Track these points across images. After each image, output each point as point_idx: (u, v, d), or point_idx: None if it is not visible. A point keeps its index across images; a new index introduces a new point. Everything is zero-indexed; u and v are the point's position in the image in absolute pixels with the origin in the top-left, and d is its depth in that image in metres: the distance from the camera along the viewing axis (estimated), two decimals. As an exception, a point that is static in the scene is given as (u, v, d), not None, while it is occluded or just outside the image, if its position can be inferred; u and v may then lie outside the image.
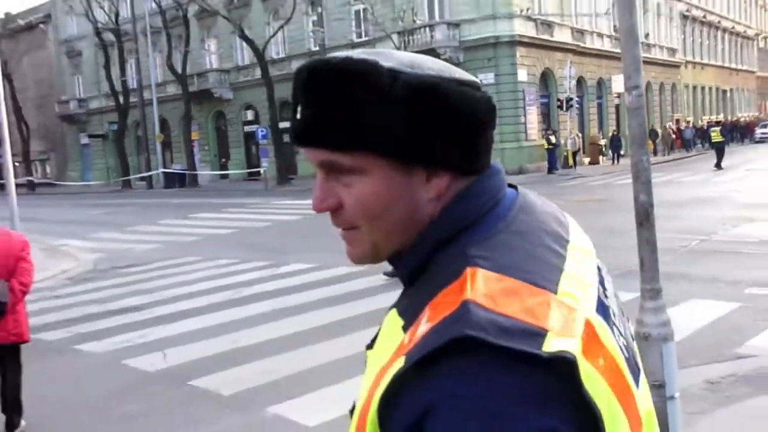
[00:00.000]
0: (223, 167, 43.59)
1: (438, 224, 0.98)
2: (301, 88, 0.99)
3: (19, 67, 50.53)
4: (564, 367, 0.81)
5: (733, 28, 63.76)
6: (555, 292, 0.89)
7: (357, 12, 36.45)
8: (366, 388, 0.92)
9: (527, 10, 33.11)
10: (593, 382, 0.83)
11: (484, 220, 0.97)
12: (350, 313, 8.57)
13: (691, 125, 46.50)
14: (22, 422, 5.68)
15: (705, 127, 44.73)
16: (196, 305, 9.77)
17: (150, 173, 42.63)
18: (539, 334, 0.82)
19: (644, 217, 3.89)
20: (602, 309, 0.96)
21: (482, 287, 0.86)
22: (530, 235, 0.97)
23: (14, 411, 5.68)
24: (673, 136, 44.34)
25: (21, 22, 56.07)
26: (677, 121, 47.61)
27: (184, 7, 39.85)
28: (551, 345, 0.81)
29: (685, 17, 52.92)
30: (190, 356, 7.37)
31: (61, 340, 8.27)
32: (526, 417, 0.79)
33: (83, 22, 47.22)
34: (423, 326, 0.87)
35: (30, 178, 49.67)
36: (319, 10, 34.97)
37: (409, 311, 0.94)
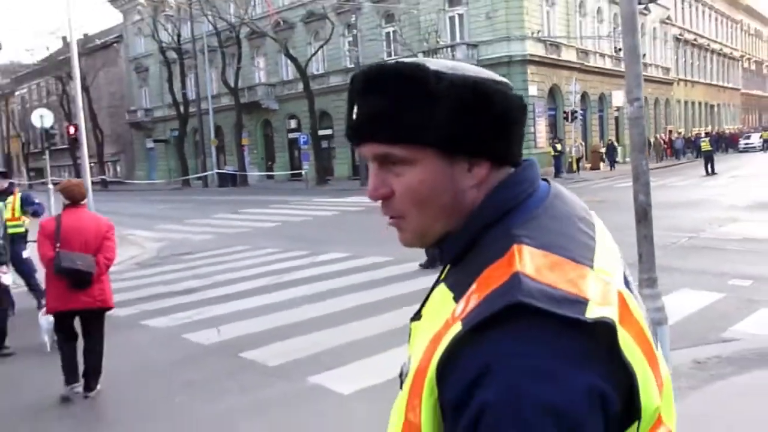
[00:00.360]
0: (269, 169, 43.71)
1: (484, 208, 0.98)
2: (358, 90, 0.99)
3: (95, 80, 51.08)
4: (605, 331, 0.82)
5: (720, 50, 62.75)
6: (591, 268, 0.89)
7: (387, 34, 36.35)
8: (419, 353, 0.91)
9: (538, 32, 32.88)
10: (628, 346, 0.84)
11: (524, 205, 0.97)
12: (381, 297, 8.56)
13: (681, 136, 45.83)
14: (98, 386, 5.78)
15: (693, 138, 44.20)
16: (245, 288, 9.82)
17: (206, 173, 42.86)
18: (582, 303, 0.83)
19: (642, 215, 3.86)
20: (627, 284, 0.97)
21: (529, 261, 0.86)
22: (565, 219, 0.97)
23: (94, 375, 5.75)
24: (664, 145, 43.81)
25: (97, 41, 56.65)
26: (670, 132, 46.96)
27: (237, 29, 40.01)
28: (593, 312, 0.82)
29: (678, 40, 52.15)
30: (241, 332, 7.39)
31: (130, 317, 8.35)
32: (574, 374, 0.79)
33: (150, 42, 47.68)
34: (475, 296, 0.87)
35: (103, 177, 50.22)
36: (354, 32, 35.00)
37: (458, 285, 0.93)
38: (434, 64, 0.97)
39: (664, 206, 15.23)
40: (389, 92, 0.95)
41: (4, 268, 7.07)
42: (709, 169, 28.01)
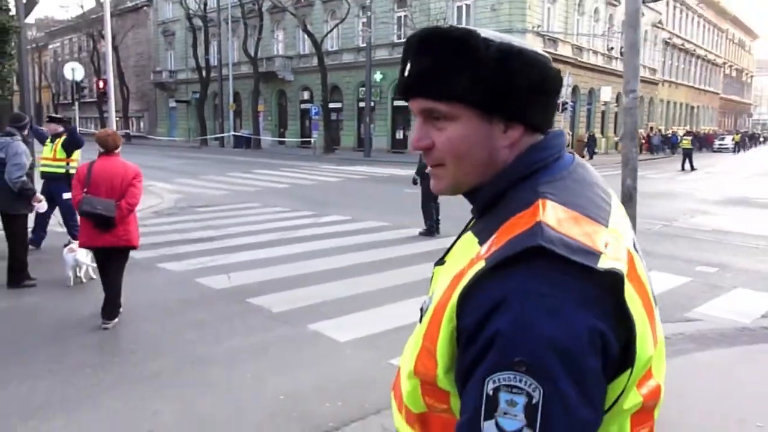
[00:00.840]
0: (282, 135, 43.52)
1: (516, 165, 0.99)
2: (412, 50, 1.01)
3: (124, 40, 50.50)
4: (613, 281, 0.84)
5: (705, 55, 62.21)
6: (606, 227, 0.92)
7: (399, 18, 35.90)
8: (442, 289, 0.95)
9: (538, 27, 32.53)
10: (632, 298, 0.86)
11: (551, 167, 0.99)
12: (379, 257, 8.59)
13: (659, 133, 45.64)
14: (116, 319, 5.84)
15: (669, 135, 44.08)
16: (255, 240, 9.85)
17: (223, 135, 42.69)
18: (595, 254, 0.85)
19: (628, 197, 3.87)
20: (635, 247, 0.99)
21: (551, 214, 0.89)
22: (585, 184, 0.99)
23: (112, 308, 5.81)
24: (643, 141, 43.67)
25: (129, 3, 55.89)
26: (651, 128, 46.76)
27: (260, 2, 39.53)
28: (605, 263, 0.84)
29: (666, 43, 51.64)
30: (249, 279, 7.42)
31: (148, 259, 8.37)
32: (580, 315, 0.81)
33: (178, 8, 47.06)
34: (500, 239, 0.90)
35: (127, 131, 49.87)
36: (369, 13, 34.51)
37: (483, 232, 0.97)
38: (484, 32, 0.98)
39: (641, 195, 15.04)
40: (439, 53, 0.97)
41: (38, 196, 7.08)
42: (687, 166, 27.94)
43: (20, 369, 4.80)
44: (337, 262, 8.29)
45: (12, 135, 7.12)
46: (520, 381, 0.80)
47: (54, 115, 9.59)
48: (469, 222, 1.12)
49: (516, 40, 1.00)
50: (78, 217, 6.42)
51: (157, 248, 9.10)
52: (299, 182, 19.44)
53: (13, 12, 22.38)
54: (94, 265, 6.58)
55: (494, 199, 1.00)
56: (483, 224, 1.00)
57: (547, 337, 0.80)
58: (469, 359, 0.86)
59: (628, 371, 0.88)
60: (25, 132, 7.49)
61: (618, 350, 0.85)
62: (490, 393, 0.82)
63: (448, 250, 1.11)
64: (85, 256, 7.07)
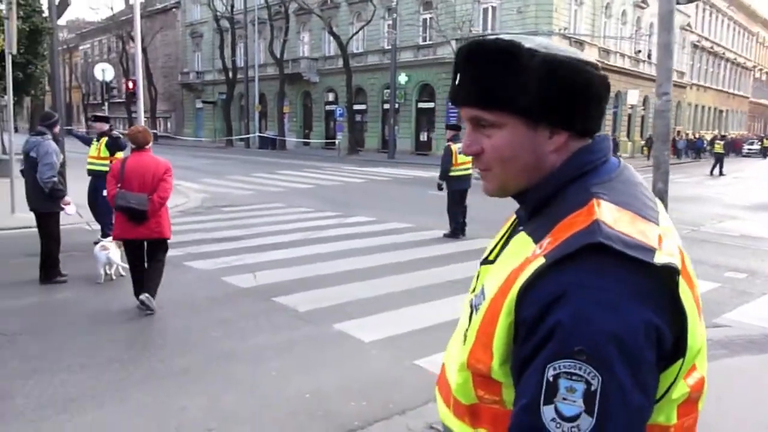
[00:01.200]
0: (306, 136, 43.76)
1: (565, 168, 1.03)
2: (461, 61, 1.06)
3: (153, 42, 51.16)
4: (669, 276, 0.89)
5: (735, 59, 61.26)
6: (657, 224, 0.96)
7: (425, 20, 35.93)
8: (495, 285, 0.99)
9: (564, 29, 32.29)
10: (685, 294, 0.91)
11: (600, 169, 1.03)
12: (403, 258, 8.59)
13: (685, 137, 45.01)
14: (154, 303, 6.09)
15: (695, 140, 43.47)
16: (280, 240, 9.91)
17: (248, 136, 43.02)
18: (651, 250, 0.89)
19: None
20: (681, 245, 1.02)
21: (607, 213, 0.93)
22: (633, 186, 1.03)
23: (154, 287, 6.12)
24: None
25: (158, 5, 56.61)
26: (678, 132, 46.16)
27: (286, 4, 39.84)
28: (660, 258, 0.89)
29: (695, 46, 50.97)
30: (274, 279, 7.47)
31: (175, 257, 8.43)
32: (637, 309, 0.86)
33: (205, 10, 47.59)
34: (557, 238, 0.94)
35: (155, 131, 50.43)
36: (394, 16, 34.63)
37: (538, 231, 1.01)
38: (530, 41, 1.02)
39: (669, 199, 15.02)
40: (486, 64, 1.01)
41: (66, 199, 7.21)
42: (717, 171, 27.49)
43: (52, 363, 4.88)
44: (361, 263, 8.31)
45: (43, 134, 7.24)
46: (580, 369, 0.85)
47: (99, 114, 9.84)
48: (512, 223, 1.17)
49: (562, 49, 1.02)
50: (113, 215, 6.62)
51: (184, 247, 9.20)
52: (323, 183, 19.51)
53: (46, 14, 22.81)
54: (125, 265, 6.79)
55: (546, 199, 1.04)
56: (536, 224, 1.04)
57: (606, 329, 0.85)
58: (529, 350, 0.90)
59: (680, 362, 0.92)
60: (56, 130, 7.62)
61: (671, 342, 0.89)
62: (551, 379, 0.86)
63: (492, 250, 1.15)
64: (116, 254, 7.18)
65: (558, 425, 0.85)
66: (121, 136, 9.22)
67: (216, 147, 43.44)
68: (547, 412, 0.87)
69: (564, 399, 0.85)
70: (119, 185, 5.88)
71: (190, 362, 4.98)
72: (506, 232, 1.17)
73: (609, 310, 0.85)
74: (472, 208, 10.68)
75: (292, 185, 18.74)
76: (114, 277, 7.36)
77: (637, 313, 0.86)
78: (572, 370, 0.85)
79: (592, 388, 0.84)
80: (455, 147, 10.34)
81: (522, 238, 1.05)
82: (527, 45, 1.00)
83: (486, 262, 1.15)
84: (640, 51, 40.05)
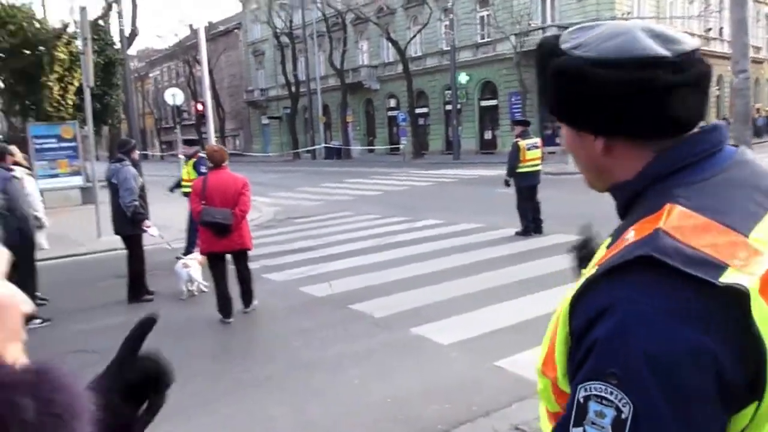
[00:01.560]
0: (370, 143, 44.08)
1: (647, 169, 0.95)
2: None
3: (218, 63, 52.74)
4: (736, 297, 0.77)
5: (815, 28, 57.85)
6: (746, 236, 0.83)
7: (482, 18, 35.60)
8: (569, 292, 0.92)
9: (628, 14, 31.29)
10: (765, 319, 0.78)
11: (699, 166, 0.93)
12: (476, 259, 8.51)
13: (764, 115, 42.70)
14: (255, 302, 6.66)
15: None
16: (353, 248, 9.99)
17: (314, 147, 43.67)
18: (719, 266, 0.78)
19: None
20: None
21: (675, 221, 0.84)
22: (736, 186, 0.91)
23: (247, 296, 6.66)
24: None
25: (220, 28, 58.37)
26: (757, 110, 43.89)
27: (343, 16, 40.29)
28: (729, 277, 0.78)
29: (770, 19, 48.45)
30: (349, 286, 7.54)
31: (253, 270, 8.52)
32: (684, 332, 0.77)
33: (265, 28, 48.69)
34: (619, 245, 0.88)
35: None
36: (451, 16, 34.50)
37: (615, 235, 0.96)
38: (570, 39, 0.98)
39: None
40: (536, 62, 1.02)
41: (147, 222, 7.51)
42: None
43: (143, 378, 5.08)
44: (434, 266, 8.28)
45: (122, 161, 7.59)
46: (611, 393, 0.78)
47: (189, 137, 10.38)
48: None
49: (612, 43, 0.93)
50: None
51: (260, 260, 9.39)
52: (390, 189, 19.58)
53: (117, 46, 23.92)
54: (206, 282, 7.22)
55: (630, 200, 0.98)
56: (618, 228, 0.98)
57: (644, 351, 0.77)
58: (574, 365, 0.86)
59: (754, 405, 0.79)
60: (134, 155, 7.96)
61: (743, 376, 0.77)
62: (581, 401, 0.81)
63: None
64: (197, 271, 7.43)
65: None
66: (205, 157, 9.62)
67: (284, 161, 44.31)
68: None
69: (593, 423, 0.79)
70: (203, 202, 6.22)
71: (273, 372, 5.08)
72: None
73: (650, 330, 0.77)
74: (551, 203, 10.47)
75: (360, 193, 18.90)
76: (196, 293, 7.61)
77: (684, 335, 0.76)
78: (602, 394, 0.78)
79: (623, 416, 0.77)
80: (523, 143, 10.20)
81: (605, 243, 1.00)
82: (565, 45, 0.96)
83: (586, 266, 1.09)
84: (710, 29, 38.42)
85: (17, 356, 0.70)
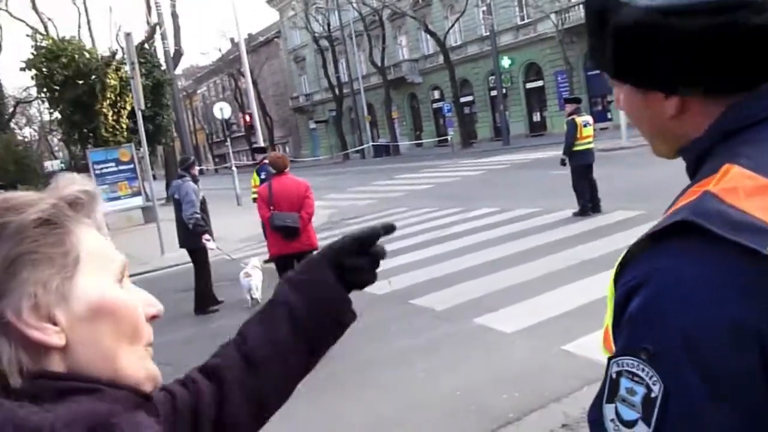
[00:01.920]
0: (418, 137, 44.01)
1: (714, 127, 0.86)
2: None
3: (261, 73, 53.61)
4: None
5: None
6: None
7: (519, -1, 35.14)
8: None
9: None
10: None
11: (761, 125, 0.84)
12: (534, 244, 8.41)
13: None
14: None
15: None
16: (409, 243, 10.00)
17: (362, 147, 43.94)
18: None
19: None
20: None
21: (730, 182, 0.76)
22: None
23: None
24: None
25: (260, 38, 59.31)
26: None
27: (380, 13, 40.36)
28: None
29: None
30: (409, 282, 7.55)
31: (312, 273, 8.79)
32: (724, 304, 0.70)
33: (304, 33, 49.22)
34: (671, 210, 0.82)
35: (275, 157, 52.77)
36: (488, 1, 34.11)
37: (675, 200, 0.87)
38: None
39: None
40: (589, 30, 0.92)
41: (206, 236, 7.73)
42: None
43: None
44: (492, 254, 8.23)
45: (182, 177, 7.97)
46: (642, 370, 0.73)
47: (258, 146, 10.92)
48: None
49: None
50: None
51: (319, 263, 9.52)
52: (441, 181, 19.52)
53: (164, 67, 24.62)
54: (262, 295, 7.42)
55: (698, 161, 0.88)
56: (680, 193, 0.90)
57: (678, 326, 0.71)
58: (614, 338, 0.81)
59: None
60: (194, 171, 8.22)
61: None
62: (614, 376, 0.76)
63: None
64: (258, 280, 7.61)
65: (616, 427, 0.75)
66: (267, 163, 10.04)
67: (333, 163, 44.70)
68: (608, 410, 0.77)
69: (624, 400, 0.75)
70: (271, 207, 6.46)
71: (341, 370, 5.14)
72: None
73: (686, 304, 0.71)
74: (606, 181, 10.27)
75: (411, 188, 18.91)
76: (260, 301, 7.77)
77: (725, 310, 0.70)
78: (633, 370, 0.74)
79: (652, 395, 0.72)
80: (580, 120, 10.07)
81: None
82: None
83: None
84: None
85: (139, 359, 0.76)
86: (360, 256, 1.12)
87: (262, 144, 18.79)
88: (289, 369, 1.06)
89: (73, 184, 0.76)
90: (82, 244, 0.72)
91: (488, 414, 4.02)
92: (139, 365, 0.75)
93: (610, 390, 0.77)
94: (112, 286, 0.73)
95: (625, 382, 0.75)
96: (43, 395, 0.64)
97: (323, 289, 1.07)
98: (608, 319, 0.85)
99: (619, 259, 0.81)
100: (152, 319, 0.79)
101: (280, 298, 1.07)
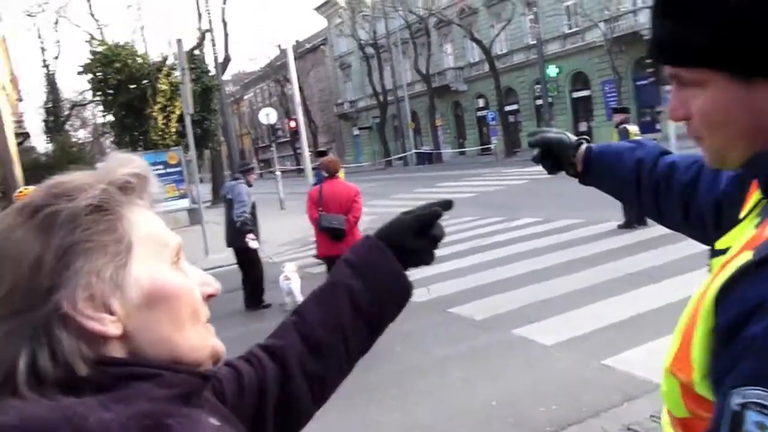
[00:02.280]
0: (461, 146, 43.83)
1: None
2: (655, 12, 0.86)
3: (307, 80, 54.22)
4: None
5: None
6: None
7: (567, 7, 34.66)
8: (705, 282, 0.80)
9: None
10: None
11: None
12: (577, 256, 8.30)
13: None
14: None
15: None
16: (449, 252, 9.93)
17: (405, 154, 43.98)
18: None
19: None
20: None
21: None
22: None
23: None
24: None
25: (306, 45, 59.99)
26: None
27: (426, 21, 40.43)
28: None
29: None
30: (448, 290, 7.54)
31: (352, 279, 8.84)
32: None
33: (350, 41, 49.59)
34: None
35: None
36: (534, 9, 33.86)
37: (765, 211, 0.79)
38: None
39: None
40: (678, 13, 0.82)
41: (251, 235, 7.90)
42: None
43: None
44: (533, 265, 8.15)
45: (237, 179, 8.31)
46: None
47: (319, 149, 11.16)
48: (759, 200, 0.88)
49: None
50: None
51: (359, 268, 9.57)
52: (484, 189, 19.40)
53: (212, 72, 25.14)
54: (301, 297, 7.36)
55: None
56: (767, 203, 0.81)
57: None
58: (721, 365, 0.72)
59: None
60: (250, 177, 8.38)
61: None
62: (736, 408, 0.67)
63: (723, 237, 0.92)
64: (297, 284, 7.70)
65: None
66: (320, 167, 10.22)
67: (376, 169, 44.83)
68: None
69: None
70: (320, 209, 6.64)
71: (379, 377, 5.17)
72: (748, 212, 0.89)
73: None
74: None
75: (454, 196, 18.31)
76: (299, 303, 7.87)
77: None
78: (764, 401, 0.65)
79: None
80: (632, 128, 9.96)
81: (750, 220, 0.83)
82: None
83: (715, 253, 0.92)
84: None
85: (201, 339, 0.74)
86: (420, 238, 1.11)
87: (306, 150, 19.02)
88: (349, 350, 1.07)
89: (123, 166, 0.74)
90: (135, 230, 0.70)
91: (525, 426, 3.99)
92: (202, 344, 0.74)
93: (732, 424, 0.67)
94: (166, 270, 0.72)
95: (752, 416, 0.65)
96: (105, 384, 0.63)
97: (385, 273, 1.08)
98: (698, 342, 0.76)
99: (723, 278, 0.74)
100: (209, 297, 0.78)
101: (341, 279, 1.07)
